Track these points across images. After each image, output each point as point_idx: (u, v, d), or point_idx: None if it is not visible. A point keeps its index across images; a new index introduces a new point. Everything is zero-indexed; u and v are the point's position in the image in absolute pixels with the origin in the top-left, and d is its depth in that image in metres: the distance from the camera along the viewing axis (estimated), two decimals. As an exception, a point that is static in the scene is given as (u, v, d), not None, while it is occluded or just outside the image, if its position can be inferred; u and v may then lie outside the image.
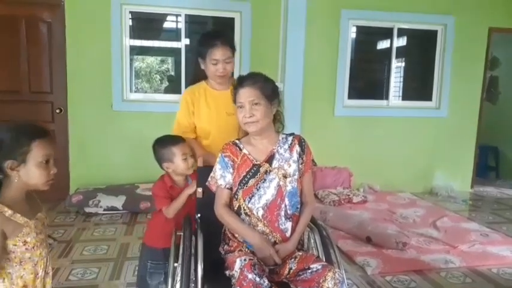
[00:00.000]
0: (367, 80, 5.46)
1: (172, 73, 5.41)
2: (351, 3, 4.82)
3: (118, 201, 4.07)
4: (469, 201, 5.06)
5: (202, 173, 1.90)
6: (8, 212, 1.28)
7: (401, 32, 5.20)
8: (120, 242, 3.39)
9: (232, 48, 2.12)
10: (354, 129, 5.06)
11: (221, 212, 1.75)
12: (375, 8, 4.87)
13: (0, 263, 1.29)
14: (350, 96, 5.10)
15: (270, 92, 1.71)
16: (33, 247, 1.35)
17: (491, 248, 3.40)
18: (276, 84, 1.83)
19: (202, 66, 2.16)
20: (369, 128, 5.08)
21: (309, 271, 1.56)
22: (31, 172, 1.31)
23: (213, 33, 2.21)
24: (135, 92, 4.78)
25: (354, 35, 5.11)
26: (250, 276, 1.46)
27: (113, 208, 4.05)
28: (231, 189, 1.77)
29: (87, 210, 4.02)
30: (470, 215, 4.47)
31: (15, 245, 1.32)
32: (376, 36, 5.39)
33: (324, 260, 1.67)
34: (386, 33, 5.15)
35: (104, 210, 4.04)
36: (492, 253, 3.30)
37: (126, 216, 4.02)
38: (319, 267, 1.55)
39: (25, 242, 1.33)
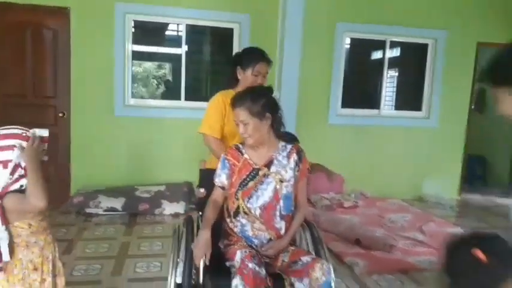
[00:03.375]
0: (360, 90, 5.67)
1: (170, 78, 5.59)
2: (345, 16, 5.03)
3: (118, 203, 4.22)
4: (456, 208, 5.26)
5: (205, 174, 2.07)
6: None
7: (394, 44, 5.43)
8: (120, 241, 3.53)
9: (271, 65, 2.45)
10: (347, 137, 5.25)
11: (208, 204, 1.94)
12: (369, 21, 5.08)
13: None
14: (343, 105, 5.29)
15: (259, 109, 1.86)
16: (37, 231, 1.51)
17: (474, 252, 3.57)
18: (273, 95, 2.00)
19: (239, 76, 2.41)
20: (361, 136, 5.28)
21: (300, 263, 1.74)
22: None
23: (259, 49, 2.48)
24: (133, 97, 4.91)
25: (348, 47, 5.32)
26: (250, 265, 1.64)
27: (112, 209, 4.20)
28: (223, 188, 1.95)
29: (88, 210, 4.16)
30: (456, 221, 4.67)
31: (22, 228, 1.49)
32: (369, 48, 5.61)
33: (314, 254, 1.84)
34: (379, 45, 5.38)
35: (104, 211, 4.19)
36: (475, 257, 3.47)
37: (125, 217, 4.16)
38: (309, 259, 1.73)
39: (30, 225, 1.49)
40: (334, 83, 5.14)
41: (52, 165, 4.55)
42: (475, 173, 6.73)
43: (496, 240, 1.11)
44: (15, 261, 1.48)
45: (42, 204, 1.46)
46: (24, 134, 1.48)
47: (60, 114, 4.57)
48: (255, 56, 2.42)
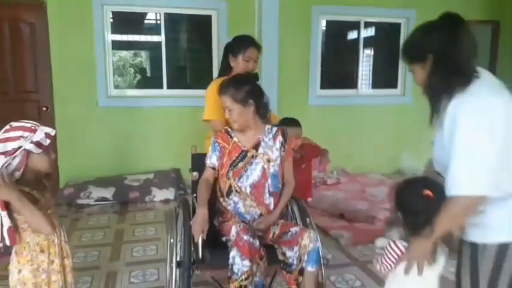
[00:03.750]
0: (338, 71, 5.84)
1: (150, 67, 5.62)
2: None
3: (108, 192, 4.32)
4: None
5: (197, 158, 2.20)
6: (27, 189, 1.56)
7: (369, 24, 5.59)
8: (114, 229, 3.65)
9: (260, 50, 2.60)
10: (327, 117, 5.43)
11: (200, 183, 2.08)
12: (343, 3, 5.22)
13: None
14: (322, 86, 5.46)
15: (242, 95, 1.99)
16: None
17: (449, 218, 3.83)
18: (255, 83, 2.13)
19: (232, 63, 2.56)
20: (341, 115, 5.46)
21: (289, 233, 1.91)
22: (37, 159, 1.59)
23: (248, 36, 2.63)
24: (115, 88, 4.95)
25: (324, 29, 5.46)
26: (245, 237, 1.79)
27: (103, 199, 4.30)
28: (214, 168, 2.10)
29: (79, 201, 4.25)
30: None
31: None
32: (344, 29, 5.76)
33: (302, 226, 2.01)
34: (354, 26, 5.53)
35: (95, 201, 4.29)
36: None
37: (116, 206, 4.27)
38: (297, 229, 1.91)
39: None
40: (312, 65, 5.29)
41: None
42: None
43: (430, 180, 1.42)
44: (24, 244, 1.60)
45: (47, 232, 1.56)
46: (32, 127, 1.57)
47: (44, 109, 4.59)
48: (244, 42, 2.57)
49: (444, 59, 1.31)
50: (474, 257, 1.37)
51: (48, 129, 1.62)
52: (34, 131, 1.56)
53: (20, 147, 1.54)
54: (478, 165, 1.24)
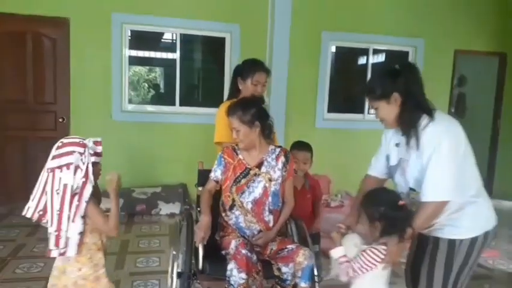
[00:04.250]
0: (345, 96, 5.97)
1: (164, 85, 5.82)
2: (330, 26, 5.33)
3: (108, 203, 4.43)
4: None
5: (203, 173, 2.33)
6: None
7: (378, 51, 5.74)
8: (120, 239, 3.76)
9: (269, 75, 2.67)
10: (333, 140, 5.53)
11: (203, 193, 2.20)
12: (352, 30, 5.39)
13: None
14: (330, 110, 5.59)
15: (249, 117, 2.11)
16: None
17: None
18: (263, 105, 2.26)
19: (240, 86, 2.63)
20: (346, 139, 5.56)
21: (286, 250, 2.01)
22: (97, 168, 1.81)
23: (258, 61, 2.69)
24: (130, 103, 5.14)
25: (333, 54, 5.62)
26: (243, 251, 1.90)
27: (107, 210, 4.41)
28: (217, 182, 2.21)
29: (88, 211, 4.37)
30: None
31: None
32: (354, 55, 5.92)
33: (298, 243, 2.11)
34: (363, 52, 5.68)
35: (104, 211, 4.40)
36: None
37: (123, 217, 4.39)
38: (294, 247, 2.01)
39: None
40: (320, 89, 5.43)
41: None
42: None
43: (393, 191, 1.76)
44: (83, 245, 1.77)
45: (114, 234, 1.82)
46: (81, 142, 1.75)
47: (60, 120, 4.78)
48: (253, 66, 2.62)
49: (410, 98, 1.66)
50: (451, 252, 1.70)
51: (93, 139, 1.81)
52: (84, 145, 1.74)
53: (81, 162, 1.72)
54: (445, 178, 1.60)
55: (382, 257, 1.64)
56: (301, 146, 2.75)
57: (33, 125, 4.75)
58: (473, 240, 1.69)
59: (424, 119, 1.66)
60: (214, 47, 5.35)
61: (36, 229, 3.80)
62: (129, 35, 4.96)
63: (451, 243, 1.70)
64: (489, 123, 6.36)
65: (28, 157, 4.62)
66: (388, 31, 5.52)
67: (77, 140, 1.76)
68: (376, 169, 2.01)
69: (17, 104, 4.68)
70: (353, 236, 1.81)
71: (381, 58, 6.01)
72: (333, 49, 5.59)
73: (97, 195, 1.85)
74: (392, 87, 1.67)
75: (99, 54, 4.79)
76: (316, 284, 2.00)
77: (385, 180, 2.00)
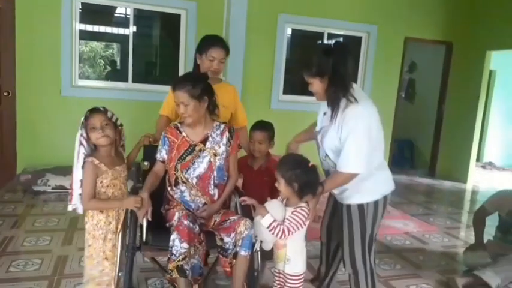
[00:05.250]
0: (301, 78, 6.05)
1: (117, 60, 5.69)
2: (287, 8, 5.39)
3: (66, 181, 4.35)
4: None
5: (149, 149, 2.35)
6: (96, 162, 2.00)
7: (332, 36, 5.87)
8: (70, 216, 3.71)
9: (228, 52, 2.59)
10: (288, 122, 5.63)
11: (150, 174, 2.25)
12: (308, 14, 5.48)
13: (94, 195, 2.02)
14: (285, 92, 5.68)
15: (199, 92, 2.11)
16: (107, 186, 2.03)
17: (390, 221, 4.15)
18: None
19: (198, 61, 2.59)
20: (301, 120, 5.66)
21: (228, 221, 2.09)
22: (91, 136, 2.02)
23: (215, 36, 2.63)
24: (80, 78, 4.99)
25: (289, 37, 5.69)
26: (185, 222, 1.96)
27: (61, 187, 4.34)
28: (163, 162, 2.24)
29: (36, 188, 4.27)
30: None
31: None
32: (309, 39, 6.02)
33: (241, 215, 2.19)
34: (318, 36, 5.80)
35: (53, 188, 4.32)
36: (390, 225, 4.05)
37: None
38: (236, 218, 2.09)
39: (101, 182, 2.02)
40: (276, 71, 5.51)
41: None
42: (404, 155, 7.46)
43: (302, 156, 2.05)
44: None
45: (84, 206, 2.03)
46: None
47: (5, 94, 4.58)
48: (209, 41, 2.56)
49: (337, 76, 1.89)
50: (362, 213, 2.07)
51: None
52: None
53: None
54: (359, 154, 1.89)
55: (308, 213, 1.95)
56: (257, 126, 2.67)
57: (-24, 99, 4.52)
58: (376, 203, 2.07)
59: (346, 98, 1.90)
60: (170, 23, 5.27)
61: (23, 219, 3.59)
62: (80, 7, 4.79)
63: (360, 206, 2.06)
64: (435, 107, 6.72)
65: (-30, 132, 4.42)
66: (342, 16, 5.65)
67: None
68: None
69: (-43, 76, 4.44)
70: (273, 202, 2.03)
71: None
72: (289, 32, 5.66)
73: (112, 161, 2.08)
74: (327, 66, 1.88)
75: (48, 26, 4.61)
76: (259, 255, 2.10)
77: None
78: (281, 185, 1.95)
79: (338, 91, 1.91)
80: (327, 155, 2.06)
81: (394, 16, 5.91)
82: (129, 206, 2.05)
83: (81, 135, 2.02)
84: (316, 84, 1.96)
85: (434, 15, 6.14)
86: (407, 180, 6.35)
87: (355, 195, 2.05)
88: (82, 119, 2.06)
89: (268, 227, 1.90)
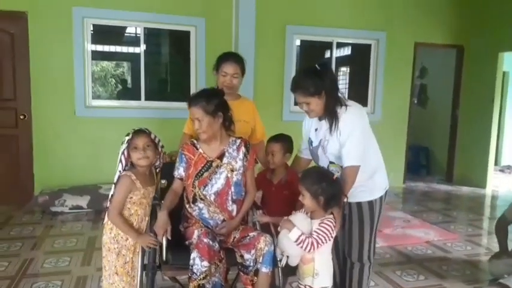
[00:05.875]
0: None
1: (129, 79, 5.74)
2: (295, 20, 5.41)
3: (83, 201, 4.39)
4: (400, 195, 5.79)
5: (166, 167, 2.34)
6: (133, 177, 2.06)
7: (342, 44, 5.87)
8: (87, 236, 3.73)
9: (241, 67, 2.61)
10: (300, 132, 5.62)
11: (168, 192, 2.23)
12: (316, 24, 5.49)
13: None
14: (296, 103, 5.66)
15: (213, 108, 2.12)
16: (134, 203, 2.09)
17: (410, 230, 4.07)
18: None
19: (216, 78, 2.64)
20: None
21: (247, 237, 2.07)
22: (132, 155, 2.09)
23: (228, 52, 2.68)
24: (93, 98, 5.05)
25: (298, 48, 5.70)
26: (205, 240, 1.94)
27: (78, 207, 4.37)
28: (181, 179, 2.23)
29: (53, 209, 4.31)
30: (398, 206, 5.17)
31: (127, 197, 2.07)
32: (319, 49, 6.02)
33: (260, 231, 2.17)
34: (328, 46, 5.80)
35: (70, 209, 4.35)
36: (410, 235, 3.97)
37: (91, 214, 4.35)
38: (255, 234, 2.07)
39: (131, 197, 2.08)
40: (286, 82, 5.50)
41: (15, 166, 4.66)
42: (420, 162, 7.35)
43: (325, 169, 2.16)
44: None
45: (109, 217, 2.10)
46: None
47: (21, 117, 4.65)
48: (222, 57, 2.61)
49: (332, 92, 2.07)
50: (372, 209, 2.21)
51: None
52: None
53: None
54: (358, 151, 2.05)
55: (335, 225, 1.95)
56: (271, 138, 2.65)
57: (-7, 122, 4.61)
58: (381, 198, 2.25)
59: (340, 108, 2.09)
60: (180, 40, 5.33)
61: (42, 240, 3.61)
62: (92, 29, 4.87)
63: (370, 203, 2.21)
64: (448, 112, 6.64)
65: (-11, 155, 4.49)
66: (351, 24, 5.65)
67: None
68: (305, 152, 2.40)
69: (-26, 101, 4.53)
70: (298, 215, 2.02)
71: (346, 51, 6.16)
72: (298, 43, 5.67)
73: (145, 180, 2.12)
74: (322, 85, 2.04)
75: (60, 49, 4.69)
76: (280, 270, 2.07)
77: (311, 161, 2.39)
78: (306, 199, 1.94)
79: (335, 102, 2.08)
80: (330, 162, 2.16)
81: (403, 22, 5.89)
82: (142, 244, 2.04)
83: (123, 153, 2.09)
84: (314, 103, 2.07)
85: (444, 18, 6.10)
86: (425, 188, 6.24)
87: (366, 193, 2.19)
88: (126, 138, 2.12)
89: (296, 241, 1.86)
